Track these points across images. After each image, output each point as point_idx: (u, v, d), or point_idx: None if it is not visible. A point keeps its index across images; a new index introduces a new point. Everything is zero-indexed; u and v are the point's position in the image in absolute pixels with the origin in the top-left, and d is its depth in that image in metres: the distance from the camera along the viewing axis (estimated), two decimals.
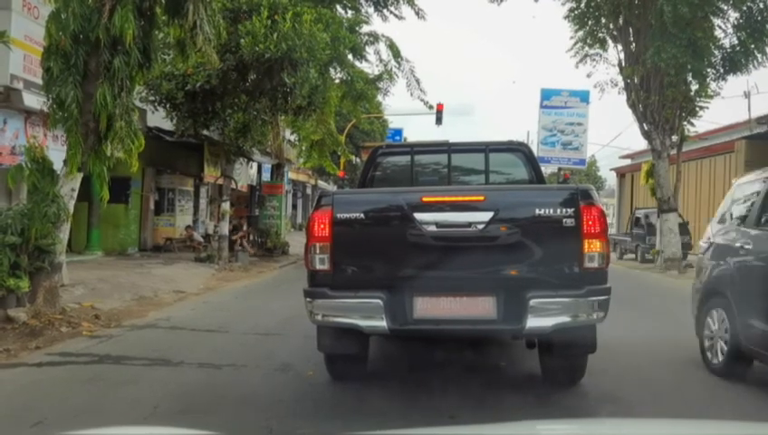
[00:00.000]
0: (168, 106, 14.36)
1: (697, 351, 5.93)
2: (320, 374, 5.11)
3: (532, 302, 4.17)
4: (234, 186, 17.82)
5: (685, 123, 17.55)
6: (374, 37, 19.71)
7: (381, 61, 20.33)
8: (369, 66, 20.54)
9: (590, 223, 4.26)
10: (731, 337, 5.27)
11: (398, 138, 39.05)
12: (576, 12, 18.02)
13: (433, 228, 4.34)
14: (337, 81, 19.46)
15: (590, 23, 18.04)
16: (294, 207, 39.63)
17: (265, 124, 17.03)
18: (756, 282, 5.13)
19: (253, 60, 12.81)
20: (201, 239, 18.76)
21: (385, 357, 5.95)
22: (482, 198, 4.50)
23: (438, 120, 26.20)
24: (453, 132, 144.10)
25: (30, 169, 7.53)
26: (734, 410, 4.58)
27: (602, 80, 18.72)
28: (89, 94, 7.41)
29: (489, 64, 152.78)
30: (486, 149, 6.53)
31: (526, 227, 4.40)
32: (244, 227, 19.58)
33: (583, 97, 34.24)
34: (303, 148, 23.64)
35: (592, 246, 4.25)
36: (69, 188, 7.74)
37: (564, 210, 4.31)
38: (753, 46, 15.88)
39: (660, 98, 16.81)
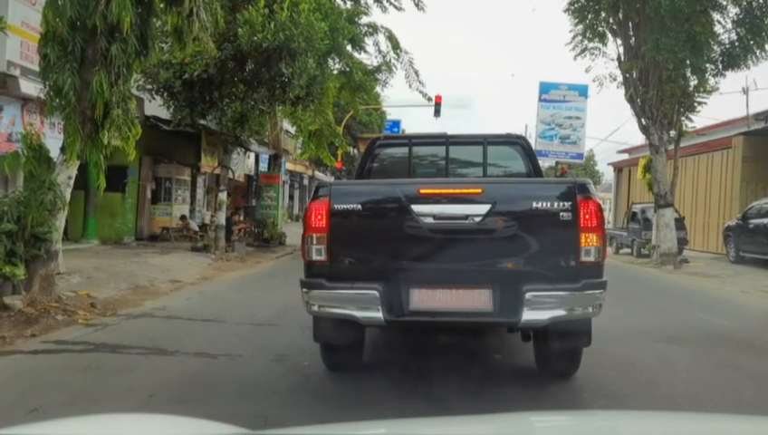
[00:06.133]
0: (165, 95, 14.31)
1: (693, 344, 5.95)
2: (315, 365, 5.12)
3: (528, 295, 4.17)
4: (231, 176, 17.79)
5: (683, 119, 17.55)
6: (373, 28, 19.63)
7: (380, 52, 20.28)
8: (368, 57, 20.50)
9: (587, 217, 4.26)
10: None
11: (396, 129, 38.98)
12: (576, 5, 17.96)
13: (430, 220, 4.33)
14: (335, 71, 19.39)
15: (589, 16, 17.98)
16: (291, 197, 39.61)
17: (263, 114, 16.99)
18: None
19: (250, 49, 12.77)
20: (197, 228, 18.75)
21: (381, 347, 5.97)
22: (479, 190, 4.50)
23: (437, 113, 26.20)
24: (451, 125, 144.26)
25: (27, 157, 7.50)
26: (730, 403, 4.60)
27: (601, 74, 18.68)
28: (86, 82, 7.37)
29: (488, 58, 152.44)
30: (484, 141, 6.53)
31: (523, 220, 4.40)
32: (241, 217, 19.55)
33: (582, 91, 34.21)
34: (301, 138, 23.58)
35: (589, 240, 4.25)
36: (66, 176, 7.72)
37: (561, 204, 4.31)
38: (752, 42, 15.85)
39: (659, 93, 16.79)
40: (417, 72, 20.81)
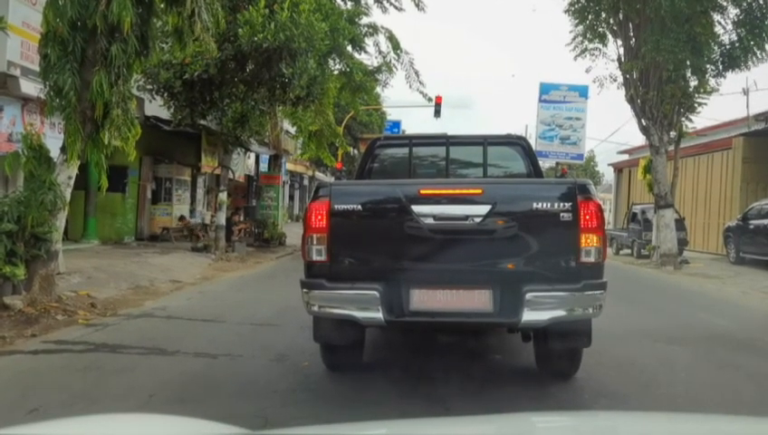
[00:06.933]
0: (165, 95, 14.30)
1: (693, 344, 5.95)
2: (315, 365, 5.12)
3: (529, 295, 4.17)
4: (231, 176, 17.79)
5: (683, 119, 17.54)
6: (374, 29, 19.66)
7: (381, 53, 20.31)
8: (369, 58, 20.52)
9: (588, 217, 4.26)
10: None
11: (396, 130, 39.00)
12: (576, 6, 17.96)
13: (430, 221, 4.33)
14: (336, 72, 19.40)
15: (589, 17, 17.98)
16: (291, 198, 39.62)
17: (263, 114, 17.00)
18: None
19: (251, 49, 12.76)
20: (202, 224, 18.79)
21: (381, 347, 5.97)
22: (479, 191, 4.49)
23: (437, 113, 26.19)
24: (451, 125, 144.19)
25: (27, 157, 7.50)
26: (730, 403, 4.60)
27: (601, 75, 18.66)
28: (86, 82, 7.37)
29: (488, 58, 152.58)
30: (485, 142, 6.53)
31: (523, 221, 4.40)
32: (241, 217, 19.56)
33: (582, 92, 34.24)
34: (301, 139, 23.60)
35: (589, 241, 4.25)
36: (66, 176, 7.72)
37: (562, 204, 4.30)
38: (752, 43, 15.86)
39: (659, 94, 16.78)
40: (417, 73, 20.86)
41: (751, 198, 19.77)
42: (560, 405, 4.37)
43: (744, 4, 15.70)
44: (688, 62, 16.08)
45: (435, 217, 4.33)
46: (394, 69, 20.83)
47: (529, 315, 4.18)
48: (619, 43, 17.81)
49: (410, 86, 21.10)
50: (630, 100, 17.65)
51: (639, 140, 23.93)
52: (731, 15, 16.08)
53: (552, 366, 4.97)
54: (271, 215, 21.90)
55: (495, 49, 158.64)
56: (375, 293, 4.28)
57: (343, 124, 26.50)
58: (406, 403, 4.33)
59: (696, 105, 17.24)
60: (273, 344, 6.10)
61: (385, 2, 19.52)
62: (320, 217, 4.39)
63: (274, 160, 23.49)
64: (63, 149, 7.69)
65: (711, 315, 9.08)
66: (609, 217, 33.21)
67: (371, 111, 33.43)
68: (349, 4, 19.78)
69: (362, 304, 4.33)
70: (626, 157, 34.25)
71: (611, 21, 17.85)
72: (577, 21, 18.19)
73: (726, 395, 4.89)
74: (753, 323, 8.81)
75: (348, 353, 5.01)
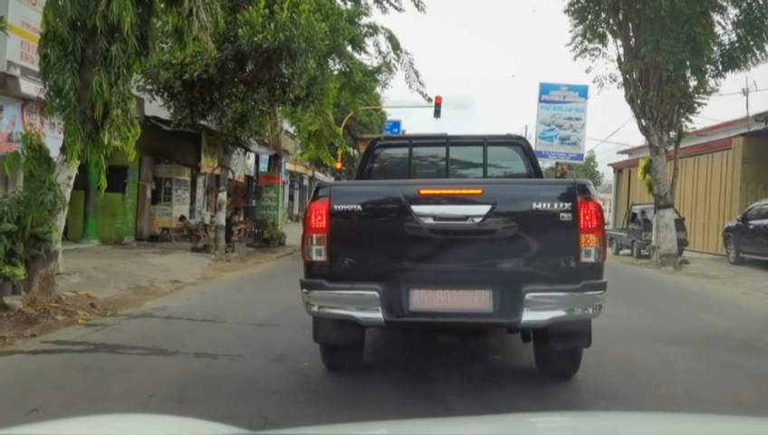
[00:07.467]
0: (165, 95, 14.30)
1: (693, 345, 5.95)
2: (315, 365, 5.12)
3: (529, 296, 4.17)
4: (231, 176, 17.79)
5: (683, 120, 17.55)
6: (373, 29, 19.68)
7: (380, 53, 20.33)
8: (368, 58, 20.54)
9: (587, 218, 4.26)
10: None
11: (396, 130, 39.00)
12: (576, 6, 17.97)
13: (430, 221, 4.33)
14: (336, 72, 19.41)
15: (589, 17, 17.99)
16: (291, 198, 39.62)
17: (263, 115, 17.00)
18: None
19: (251, 50, 12.77)
20: (204, 224, 18.80)
21: (381, 347, 5.97)
22: (479, 191, 4.49)
23: (437, 113, 26.19)
24: (451, 125, 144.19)
25: (27, 157, 7.50)
26: (730, 403, 4.60)
27: (601, 75, 18.66)
28: (86, 82, 7.37)
29: (488, 58, 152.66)
30: (485, 142, 6.53)
31: (523, 221, 4.40)
32: (241, 218, 19.56)
33: (582, 92, 34.27)
34: (301, 139, 23.61)
35: (589, 241, 4.25)
36: (66, 176, 7.71)
37: (561, 205, 4.30)
38: (752, 43, 15.87)
39: (659, 94, 16.79)
40: (417, 73, 20.89)
41: (751, 198, 19.78)
42: (560, 405, 4.37)
43: (744, 5, 15.71)
44: (688, 63, 16.09)
45: (435, 217, 4.33)
46: (394, 69, 20.88)
47: (529, 316, 4.18)
48: (619, 43, 17.82)
49: (410, 86, 21.15)
50: (630, 100, 17.65)
51: (639, 140, 23.96)
52: (731, 16, 16.11)
53: (552, 366, 4.96)
54: (271, 215, 21.90)
55: (495, 49, 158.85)
56: (375, 293, 4.28)
57: (343, 124, 26.49)
58: (406, 403, 4.33)
59: (695, 105, 17.25)
60: (273, 344, 6.10)
61: (385, 2, 19.55)
62: (319, 218, 4.39)
63: (274, 160, 23.49)
64: (63, 149, 7.68)
65: (711, 315, 9.08)
66: (609, 217, 33.22)
67: (371, 111, 33.41)
68: (349, 4, 19.80)
69: (362, 305, 4.33)
70: (626, 157, 34.25)
71: (611, 21, 17.86)
72: (577, 21, 18.20)
73: (726, 395, 4.89)
74: (753, 324, 8.81)
75: (348, 353, 5.01)
